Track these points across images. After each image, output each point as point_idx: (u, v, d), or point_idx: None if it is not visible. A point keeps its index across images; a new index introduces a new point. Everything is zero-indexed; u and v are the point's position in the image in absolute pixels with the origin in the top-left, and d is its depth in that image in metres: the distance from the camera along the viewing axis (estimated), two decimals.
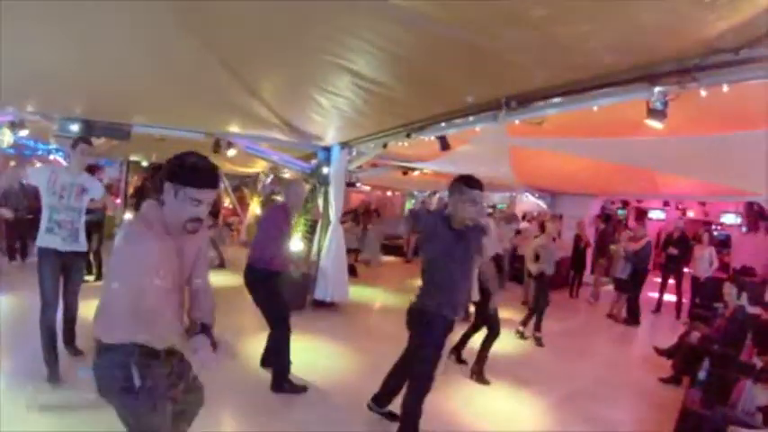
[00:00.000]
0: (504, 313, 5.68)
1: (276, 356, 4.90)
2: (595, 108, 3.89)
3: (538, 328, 7.25)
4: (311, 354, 5.89)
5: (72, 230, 4.70)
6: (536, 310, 7.34)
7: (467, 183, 3.67)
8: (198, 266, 2.56)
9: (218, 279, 9.68)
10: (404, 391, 3.92)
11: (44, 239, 4.65)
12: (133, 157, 13.19)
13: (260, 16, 3.56)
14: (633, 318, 9.23)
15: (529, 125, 5.09)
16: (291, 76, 4.88)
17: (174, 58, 4.67)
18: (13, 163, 14.21)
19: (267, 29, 3.77)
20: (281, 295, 4.96)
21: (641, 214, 15.83)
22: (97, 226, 8.10)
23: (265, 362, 5.21)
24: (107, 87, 5.83)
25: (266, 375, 4.97)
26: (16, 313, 6.47)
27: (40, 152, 13.07)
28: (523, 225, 13.94)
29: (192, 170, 2.21)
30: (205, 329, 2.42)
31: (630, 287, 9.26)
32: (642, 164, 6.32)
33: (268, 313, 4.89)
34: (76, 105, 7.00)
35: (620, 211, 15.78)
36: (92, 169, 16.37)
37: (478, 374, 5.47)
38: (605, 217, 13.06)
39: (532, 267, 7.45)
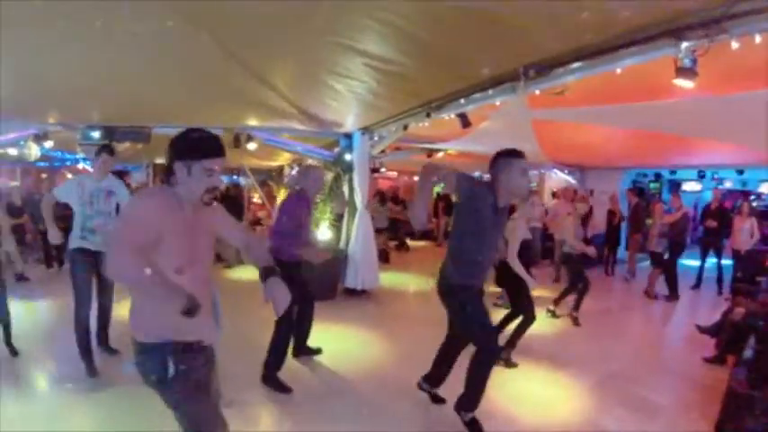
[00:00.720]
0: (535, 292, 5.43)
1: (271, 348, 4.66)
2: (619, 71, 3.62)
3: (576, 307, 6.96)
4: (343, 342, 5.79)
5: (105, 234, 4.74)
6: (572, 290, 7.08)
7: (513, 154, 3.51)
8: (232, 230, 2.55)
9: (238, 274, 9.80)
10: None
11: (76, 243, 4.75)
12: (158, 160, 13.30)
13: (262, 3, 3.42)
14: (672, 293, 8.84)
15: (550, 95, 4.83)
16: (301, 62, 4.74)
17: (184, 58, 4.63)
18: (44, 175, 14.63)
19: (271, 16, 3.65)
20: (301, 289, 4.71)
21: (675, 186, 15.25)
22: None
23: (297, 351, 5.13)
24: (123, 93, 5.89)
25: (296, 365, 4.93)
26: (54, 316, 6.65)
27: (68, 162, 13.29)
28: (553, 202, 13.63)
29: (198, 143, 2.21)
30: (270, 272, 2.36)
31: (667, 262, 8.86)
32: (673, 129, 5.95)
33: None
34: (96, 113, 7.07)
35: (652, 185, 15.23)
36: (119, 175, 16.69)
37: (506, 360, 5.23)
38: (638, 190, 12.60)
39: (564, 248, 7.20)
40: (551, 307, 7.23)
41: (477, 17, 3.22)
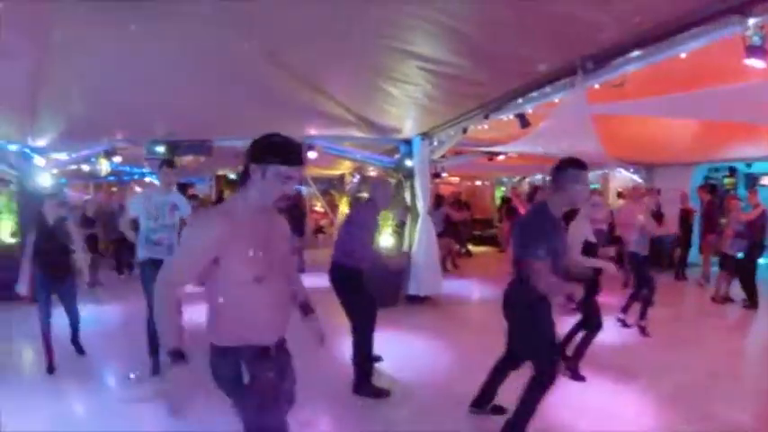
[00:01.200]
0: (603, 298, 5.18)
1: (358, 358, 4.66)
2: (683, 56, 3.46)
3: (642, 316, 6.49)
4: (403, 350, 5.74)
5: (168, 246, 5.00)
6: (639, 296, 6.63)
7: (576, 164, 3.34)
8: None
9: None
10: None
11: (144, 253, 5.05)
12: (220, 172, 13.79)
13: (313, 14, 3.50)
14: (751, 299, 8.05)
15: (609, 89, 4.67)
16: (356, 68, 4.84)
17: (243, 72, 4.82)
18: (114, 189, 15.50)
19: (322, 25, 3.73)
20: (367, 294, 4.71)
21: (752, 181, 14.32)
22: None
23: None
24: (186, 108, 6.20)
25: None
26: (124, 319, 7.10)
27: (136, 176, 14.02)
28: (619, 203, 13.09)
29: (278, 147, 2.15)
30: (310, 309, 2.56)
31: (744, 265, 8.13)
32: (747, 117, 5.60)
33: (353, 313, 4.69)
34: (160, 129, 7.47)
35: (726, 180, 14.37)
36: (183, 187, 17.37)
37: (573, 371, 4.97)
38: (710, 187, 11.91)
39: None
40: (621, 315, 6.78)
41: (529, 10, 3.17)
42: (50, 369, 5.10)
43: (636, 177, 12.32)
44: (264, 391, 2.20)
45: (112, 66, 4.57)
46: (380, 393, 4.57)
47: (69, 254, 5.36)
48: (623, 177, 13.05)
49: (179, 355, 1.99)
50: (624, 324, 6.70)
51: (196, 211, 6.02)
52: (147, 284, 4.91)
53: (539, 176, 16.86)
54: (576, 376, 4.93)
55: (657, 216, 7.53)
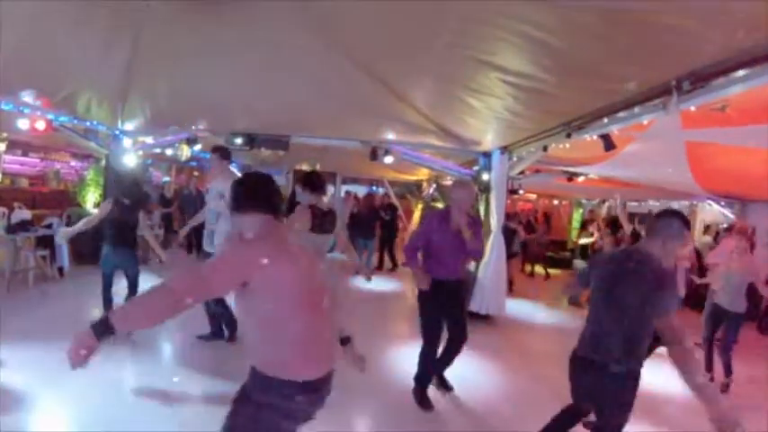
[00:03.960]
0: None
1: (418, 363, 4.56)
2: None
3: (727, 371, 5.63)
4: (458, 366, 5.37)
5: (209, 232, 5.16)
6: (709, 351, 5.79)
7: (682, 219, 2.83)
8: None
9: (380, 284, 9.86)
10: None
11: (206, 245, 5.24)
12: (298, 167, 13.98)
13: (392, 21, 3.39)
14: None
15: (708, 112, 4.19)
16: (437, 78, 4.70)
17: (322, 73, 4.82)
18: (196, 173, 16.16)
19: (402, 33, 3.61)
20: (428, 305, 4.47)
21: None
22: None
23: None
24: (267, 105, 6.29)
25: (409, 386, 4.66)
26: None
27: None
28: (705, 239, 12.01)
29: (319, 178, 2.74)
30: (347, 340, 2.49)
31: None
32: None
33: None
34: (240, 122, 7.63)
35: None
36: None
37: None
38: None
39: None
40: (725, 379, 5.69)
41: (621, 22, 2.84)
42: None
43: (727, 212, 11.26)
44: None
45: (199, 63, 4.70)
46: (425, 405, 4.43)
47: (136, 231, 5.49)
48: (712, 210, 11.99)
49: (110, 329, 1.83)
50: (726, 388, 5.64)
51: None
52: None
53: (618, 201, 15.89)
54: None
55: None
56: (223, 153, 5.37)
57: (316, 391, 2.11)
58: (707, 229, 12.85)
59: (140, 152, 9.29)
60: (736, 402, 5.43)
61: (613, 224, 10.37)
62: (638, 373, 2.84)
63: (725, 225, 11.61)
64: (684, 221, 2.84)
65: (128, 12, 3.54)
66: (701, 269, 9.57)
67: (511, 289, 10.69)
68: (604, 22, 2.93)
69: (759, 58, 2.93)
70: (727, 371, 5.66)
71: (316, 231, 3.99)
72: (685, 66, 3.40)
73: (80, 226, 5.31)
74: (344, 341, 2.46)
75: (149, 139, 9.21)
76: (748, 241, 6.01)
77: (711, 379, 5.71)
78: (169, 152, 9.74)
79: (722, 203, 11.24)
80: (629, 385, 2.83)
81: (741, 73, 3.13)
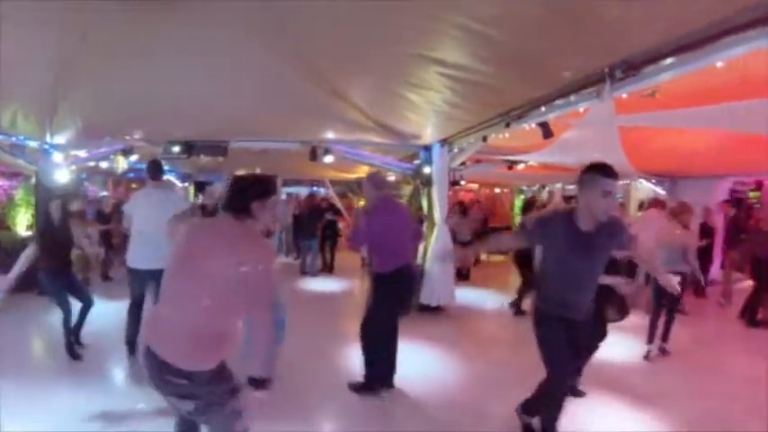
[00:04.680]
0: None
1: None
2: (719, 64, 3.19)
3: (665, 337, 6.07)
4: (415, 361, 5.47)
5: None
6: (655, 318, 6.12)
7: (600, 171, 3.10)
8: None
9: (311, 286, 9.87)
10: None
11: (132, 260, 5.13)
12: (239, 172, 13.76)
13: (335, 16, 3.33)
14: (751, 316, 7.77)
15: (639, 98, 4.40)
16: (375, 74, 4.65)
17: (259, 74, 4.67)
18: (134, 186, 15.59)
19: (343, 29, 3.56)
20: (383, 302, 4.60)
21: None
22: None
23: None
24: (203, 110, 6.09)
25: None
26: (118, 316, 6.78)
27: None
28: (639, 215, 12.64)
29: (269, 183, 2.61)
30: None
31: None
32: None
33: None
34: (177, 130, 7.42)
35: (752, 194, 13.83)
36: (203, 186, 17.26)
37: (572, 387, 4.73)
38: (736, 201, 11.44)
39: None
40: (652, 349, 6.05)
41: (558, 12, 2.93)
42: (74, 356, 5.25)
43: (659, 189, 11.91)
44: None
45: (131, 69, 4.47)
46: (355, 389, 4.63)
47: (70, 250, 5.38)
48: (644, 189, 12.64)
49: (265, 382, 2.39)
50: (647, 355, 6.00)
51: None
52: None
53: (558, 185, 16.53)
54: (576, 392, 4.60)
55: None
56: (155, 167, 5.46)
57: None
58: (641, 205, 13.53)
59: (73, 166, 8.82)
60: (679, 360, 5.93)
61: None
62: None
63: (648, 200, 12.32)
64: (604, 171, 3.08)
65: (54, 14, 3.30)
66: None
67: (467, 277, 10.95)
68: (540, 13, 3.00)
69: (686, 46, 3.10)
70: (666, 336, 6.09)
71: None
72: (617, 54, 3.55)
73: (18, 269, 5.00)
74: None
75: (82, 153, 8.75)
76: (687, 215, 6.41)
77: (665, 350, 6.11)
78: (104, 165, 9.31)
79: (654, 181, 11.87)
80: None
81: (669, 61, 3.31)
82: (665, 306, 6.02)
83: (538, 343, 3.44)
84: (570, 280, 3.33)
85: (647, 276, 6.44)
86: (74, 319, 5.35)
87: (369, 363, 4.64)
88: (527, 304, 6.99)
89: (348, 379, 4.81)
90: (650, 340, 6.05)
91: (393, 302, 4.59)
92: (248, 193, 2.48)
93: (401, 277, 4.52)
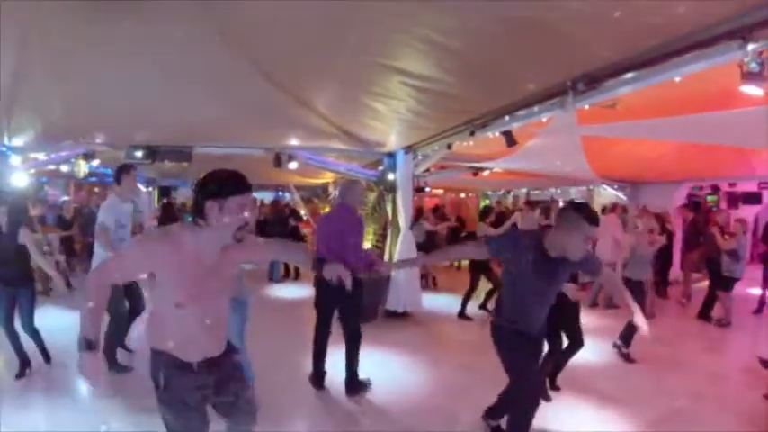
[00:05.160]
0: (587, 319, 5.03)
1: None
2: (677, 79, 3.30)
3: (628, 342, 6.19)
4: (382, 366, 5.51)
5: None
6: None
7: (587, 217, 3.08)
8: (264, 251, 2.62)
9: (289, 291, 9.76)
10: None
11: None
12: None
13: (298, 23, 3.33)
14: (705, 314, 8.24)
15: (600, 109, 4.52)
16: (339, 82, 4.66)
17: (224, 79, 4.62)
18: (96, 190, 15.22)
19: (307, 37, 3.55)
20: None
21: (734, 199, 14.34)
22: None
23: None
24: (167, 115, 5.99)
25: (336, 388, 4.82)
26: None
27: None
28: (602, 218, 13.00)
29: (229, 180, 2.24)
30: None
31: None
32: (738, 141, 5.50)
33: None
34: (141, 134, 7.26)
35: (709, 197, 14.37)
36: (167, 191, 16.94)
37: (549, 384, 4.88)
38: (694, 205, 11.86)
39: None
40: (623, 348, 6.24)
41: (519, 26, 2.98)
42: (22, 373, 4.95)
43: (620, 194, 12.26)
44: (172, 400, 2.36)
45: (92, 69, 4.33)
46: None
47: (26, 261, 5.00)
48: (607, 194, 13.00)
49: (90, 345, 2.16)
50: (628, 358, 6.17)
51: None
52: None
53: (523, 190, 16.83)
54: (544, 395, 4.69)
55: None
56: (129, 171, 5.20)
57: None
58: (603, 209, 13.89)
59: (32, 170, 8.55)
60: (644, 359, 6.09)
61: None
62: None
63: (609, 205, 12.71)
64: (589, 217, 3.08)
65: (11, 12, 3.18)
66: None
67: (435, 284, 10.97)
68: (503, 27, 3.05)
69: (646, 61, 3.21)
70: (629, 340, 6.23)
71: None
72: (581, 68, 3.65)
73: None
74: None
75: (42, 156, 8.45)
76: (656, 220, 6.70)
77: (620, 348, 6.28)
78: (65, 168, 9.02)
79: (615, 187, 12.21)
80: None
81: (629, 75, 3.42)
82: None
83: (500, 354, 3.48)
84: (528, 299, 3.38)
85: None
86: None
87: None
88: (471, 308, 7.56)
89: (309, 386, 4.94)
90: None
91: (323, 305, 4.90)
92: (201, 192, 2.21)
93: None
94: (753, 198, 12.86)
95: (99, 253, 4.89)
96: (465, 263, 14.24)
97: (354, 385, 4.81)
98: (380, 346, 6.14)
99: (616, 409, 4.71)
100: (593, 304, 8.90)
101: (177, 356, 2.33)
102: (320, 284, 4.76)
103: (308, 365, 4.96)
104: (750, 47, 2.72)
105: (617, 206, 10.37)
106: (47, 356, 5.24)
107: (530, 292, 3.34)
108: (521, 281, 3.32)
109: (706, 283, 8.88)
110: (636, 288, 6.16)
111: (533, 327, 3.44)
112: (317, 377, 4.90)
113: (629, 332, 6.10)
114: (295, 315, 8.10)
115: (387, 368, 5.55)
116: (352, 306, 4.82)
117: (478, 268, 7.95)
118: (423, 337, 7.08)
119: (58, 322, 5.41)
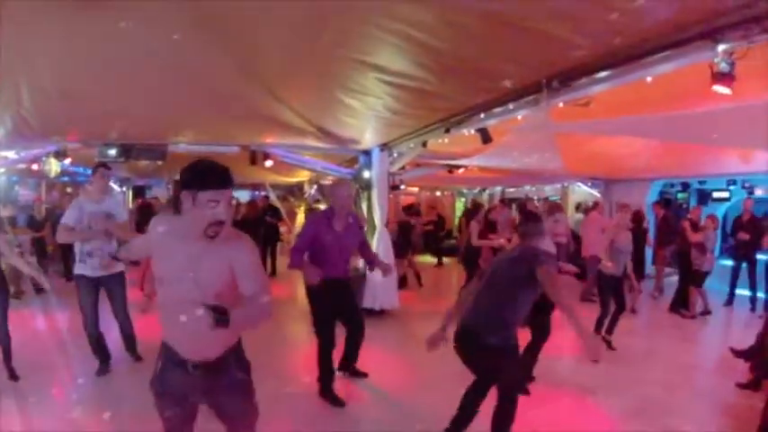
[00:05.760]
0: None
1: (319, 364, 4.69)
2: (649, 79, 3.39)
3: (610, 330, 6.43)
4: (358, 365, 5.51)
5: (103, 255, 4.82)
6: (605, 313, 6.47)
7: (533, 219, 3.52)
8: (243, 282, 2.29)
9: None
10: None
11: (79, 268, 4.93)
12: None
13: (275, 20, 3.31)
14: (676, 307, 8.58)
15: (574, 107, 4.59)
16: (314, 78, 4.61)
17: (198, 75, 4.55)
18: (69, 190, 14.87)
19: (282, 32, 3.54)
20: (319, 304, 4.67)
21: (704, 196, 14.69)
22: None
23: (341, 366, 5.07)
24: (140, 111, 5.88)
25: (312, 387, 4.79)
26: (70, 327, 6.43)
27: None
28: (577, 216, 13.24)
29: (205, 173, 2.17)
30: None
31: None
32: (707, 140, 5.64)
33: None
34: (114, 132, 7.09)
35: (680, 195, 14.71)
36: (141, 190, 16.63)
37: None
38: (665, 201, 12.11)
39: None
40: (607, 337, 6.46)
41: (496, 23, 3.01)
42: (14, 377, 4.83)
43: (594, 191, 12.48)
44: (159, 390, 2.40)
45: (63, 64, 4.23)
46: (337, 402, 4.59)
47: None
48: (581, 191, 13.21)
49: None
50: (609, 345, 6.37)
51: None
52: (81, 302, 4.96)
53: (498, 188, 16.99)
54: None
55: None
56: (108, 169, 5.17)
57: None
58: (578, 207, 14.13)
59: (1, 169, 8.33)
60: (618, 352, 6.30)
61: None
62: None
63: (590, 203, 12.92)
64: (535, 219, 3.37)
65: None
66: (578, 243, 10.58)
67: (420, 282, 10.95)
68: (480, 24, 3.08)
69: (618, 61, 3.28)
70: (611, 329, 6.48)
71: None
72: (555, 66, 3.71)
73: None
74: None
75: (12, 154, 8.22)
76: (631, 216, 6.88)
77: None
78: (35, 168, 8.79)
79: (589, 184, 12.43)
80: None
81: (603, 74, 3.49)
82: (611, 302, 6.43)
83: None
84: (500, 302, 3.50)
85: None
86: None
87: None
88: None
89: (293, 385, 4.98)
90: (598, 331, 6.36)
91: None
92: (179, 181, 2.21)
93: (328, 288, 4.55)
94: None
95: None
96: (447, 260, 14.42)
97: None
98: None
99: (593, 399, 4.85)
100: (583, 298, 9.15)
101: (176, 352, 2.33)
102: (315, 293, 4.62)
103: (287, 364, 4.94)
104: (720, 47, 2.81)
105: (598, 204, 10.57)
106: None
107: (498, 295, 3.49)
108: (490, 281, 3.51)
109: (677, 277, 9.15)
110: (612, 283, 6.41)
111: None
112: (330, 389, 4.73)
113: (612, 324, 6.41)
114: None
115: (367, 366, 5.53)
116: (353, 301, 4.94)
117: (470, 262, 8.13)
118: (399, 336, 7.12)
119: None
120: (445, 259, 14.51)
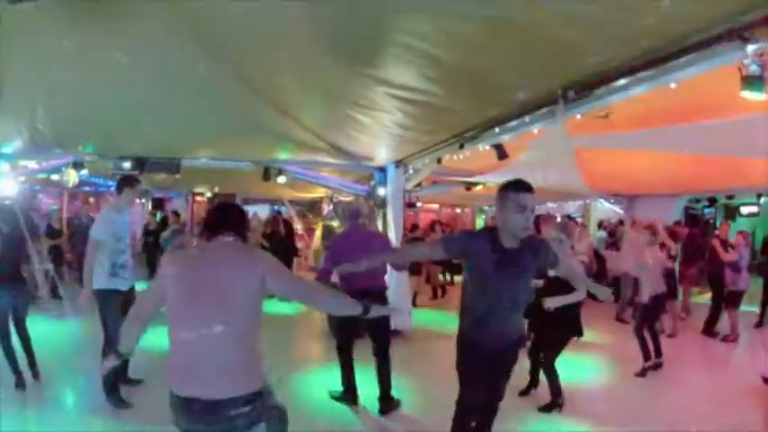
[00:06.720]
0: (588, 335, 4.90)
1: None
2: (673, 85, 3.15)
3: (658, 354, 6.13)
4: (372, 384, 5.25)
5: (130, 268, 4.81)
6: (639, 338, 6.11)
7: (512, 186, 2.91)
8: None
9: (280, 308, 9.50)
10: None
11: (110, 282, 4.61)
12: (197, 189, 13.47)
13: (282, 38, 3.23)
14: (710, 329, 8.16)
15: (593, 119, 4.37)
16: (324, 94, 4.53)
17: (212, 93, 4.50)
18: (92, 199, 15.03)
19: (292, 50, 3.43)
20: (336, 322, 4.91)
21: (731, 211, 14.19)
22: None
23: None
24: (155, 127, 5.91)
25: (323, 404, 4.83)
26: (85, 335, 6.38)
27: (111, 188, 13.59)
28: (600, 234, 12.87)
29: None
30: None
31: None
32: (735, 151, 5.33)
33: None
34: (129, 146, 7.18)
35: (706, 210, 14.22)
36: (161, 202, 16.69)
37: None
38: (690, 218, 11.68)
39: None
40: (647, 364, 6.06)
41: (504, 30, 2.83)
42: (20, 385, 4.82)
43: (617, 208, 12.10)
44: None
45: (79, 79, 4.19)
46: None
47: (21, 266, 5.01)
48: (604, 208, 12.84)
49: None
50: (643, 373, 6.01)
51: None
52: (114, 317, 4.44)
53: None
54: None
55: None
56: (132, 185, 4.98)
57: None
58: (600, 224, 13.74)
59: (22, 178, 8.44)
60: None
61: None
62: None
63: (617, 220, 12.55)
64: (512, 188, 2.92)
65: None
66: (601, 262, 10.23)
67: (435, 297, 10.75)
68: (489, 34, 2.91)
69: (638, 66, 3.05)
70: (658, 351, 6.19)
71: None
72: (571, 76, 3.50)
73: None
74: None
75: (32, 164, 8.31)
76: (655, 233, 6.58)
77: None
78: (55, 177, 8.85)
79: (611, 201, 12.05)
80: None
81: (622, 82, 3.26)
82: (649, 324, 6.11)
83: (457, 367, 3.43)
84: (498, 305, 3.10)
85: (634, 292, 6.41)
86: None
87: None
88: None
89: (306, 405, 4.85)
90: (647, 358, 6.05)
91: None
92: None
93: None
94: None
95: (97, 271, 4.58)
96: (458, 278, 14.09)
97: (388, 403, 4.84)
98: (369, 364, 5.85)
99: (616, 429, 4.58)
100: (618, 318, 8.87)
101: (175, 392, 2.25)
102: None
103: (301, 383, 5.04)
104: (749, 47, 2.56)
105: (635, 222, 10.16)
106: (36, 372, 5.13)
107: (492, 293, 3.07)
108: (485, 282, 3.06)
109: (705, 296, 8.74)
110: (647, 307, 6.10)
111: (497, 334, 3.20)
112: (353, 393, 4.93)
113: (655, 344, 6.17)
114: (289, 332, 7.95)
115: (376, 386, 5.29)
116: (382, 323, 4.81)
117: None
118: (413, 355, 6.84)
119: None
120: (456, 277, 14.18)
